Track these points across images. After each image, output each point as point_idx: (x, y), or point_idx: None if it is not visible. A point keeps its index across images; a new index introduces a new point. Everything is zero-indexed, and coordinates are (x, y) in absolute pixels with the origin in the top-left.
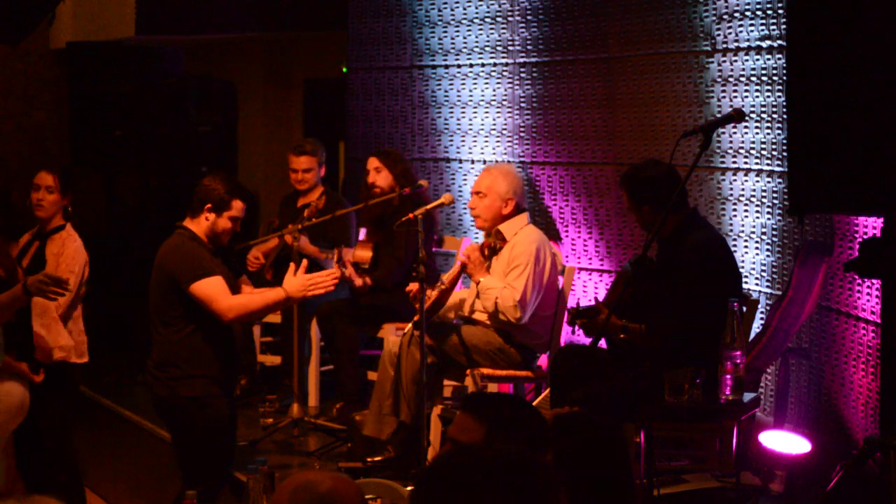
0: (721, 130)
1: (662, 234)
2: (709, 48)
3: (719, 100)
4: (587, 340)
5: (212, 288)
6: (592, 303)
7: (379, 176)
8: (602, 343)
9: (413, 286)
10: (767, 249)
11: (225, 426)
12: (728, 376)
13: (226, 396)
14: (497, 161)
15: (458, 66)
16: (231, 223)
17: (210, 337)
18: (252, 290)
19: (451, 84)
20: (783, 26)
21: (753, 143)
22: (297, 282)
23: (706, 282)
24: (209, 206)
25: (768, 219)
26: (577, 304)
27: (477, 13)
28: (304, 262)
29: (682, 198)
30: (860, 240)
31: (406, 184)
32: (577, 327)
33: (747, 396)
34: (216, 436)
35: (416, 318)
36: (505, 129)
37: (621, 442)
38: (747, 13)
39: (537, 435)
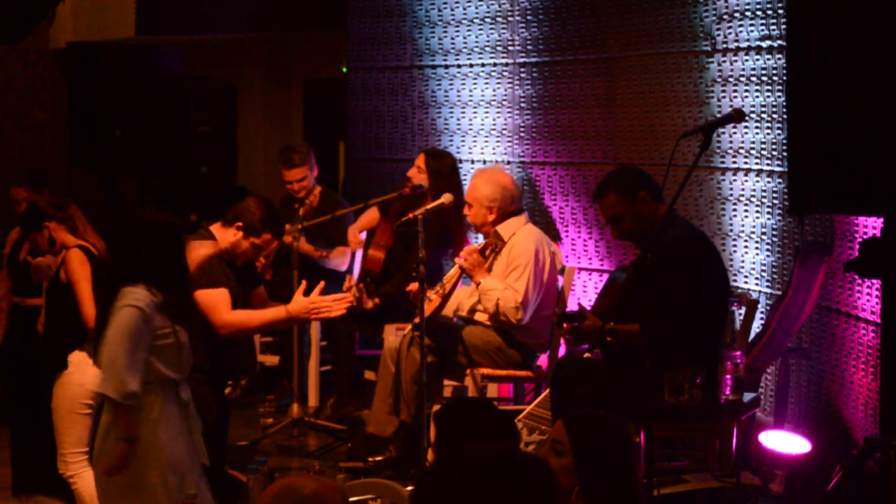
0: (721, 130)
1: (643, 229)
2: (709, 48)
3: (719, 100)
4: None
5: (214, 299)
6: (577, 308)
7: (419, 175)
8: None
9: (414, 286)
10: (767, 249)
11: (218, 430)
12: (728, 376)
13: (216, 396)
14: (497, 161)
15: (458, 66)
16: (253, 249)
17: (211, 341)
18: (266, 300)
19: (451, 84)
20: (783, 26)
21: (753, 143)
22: (302, 303)
23: (693, 276)
24: (240, 224)
25: (768, 219)
26: (563, 307)
27: (477, 13)
28: (322, 283)
29: (661, 194)
30: (860, 240)
31: (447, 187)
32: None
33: (747, 396)
34: (210, 439)
35: (416, 320)
36: (505, 129)
37: (628, 438)
38: (747, 13)
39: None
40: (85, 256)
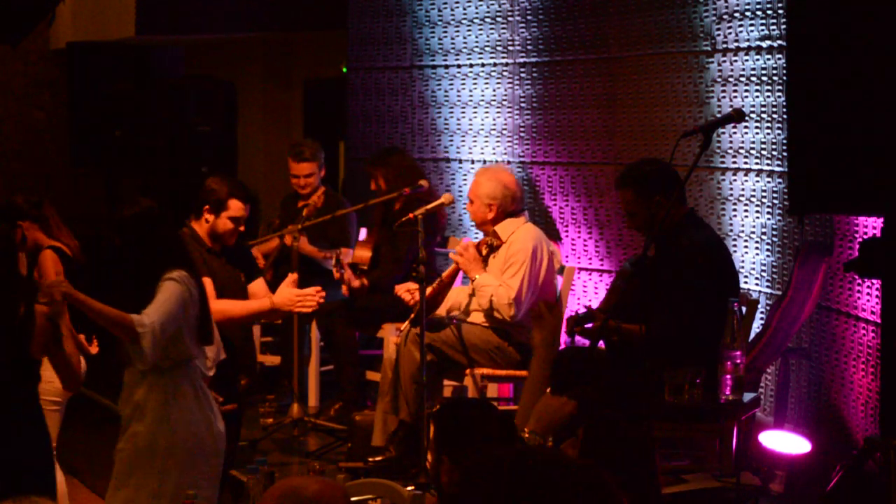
0: (721, 130)
1: (661, 231)
2: (709, 48)
3: (719, 100)
4: (586, 342)
5: None
6: (584, 310)
7: (379, 182)
8: (601, 344)
9: (400, 288)
10: (767, 249)
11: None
12: (728, 376)
13: (220, 394)
14: (497, 161)
15: (458, 66)
16: (232, 223)
17: None
18: (267, 292)
19: (451, 84)
20: (783, 26)
21: (753, 143)
22: (286, 294)
23: (704, 281)
24: (207, 206)
25: (768, 219)
26: (576, 313)
27: (477, 13)
28: (294, 275)
29: (682, 194)
30: (860, 240)
31: (404, 184)
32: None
33: (747, 396)
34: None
35: (412, 315)
36: (505, 129)
37: (649, 442)
38: (747, 13)
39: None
40: (58, 258)
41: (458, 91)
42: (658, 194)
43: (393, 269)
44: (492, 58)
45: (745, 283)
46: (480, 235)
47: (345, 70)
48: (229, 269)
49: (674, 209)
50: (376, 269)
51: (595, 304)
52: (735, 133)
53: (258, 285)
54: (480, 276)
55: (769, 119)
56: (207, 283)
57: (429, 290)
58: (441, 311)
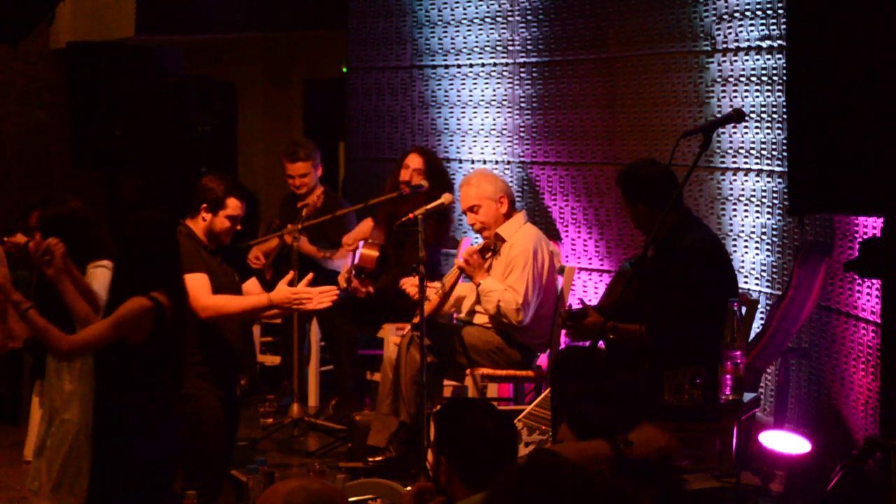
0: (721, 130)
1: (658, 235)
2: (709, 48)
3: (719, 100)
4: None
5: (192, 284)
6: (580, 305)
7: (417, 178)
8: (601, 344)
9: (406, 280)
10: (767, 249)
11: (214, 422)
12: (728, 376)
13: (218, 393)
14: (497, 161)
15: (458, 66)
16: (229, 222)
17: (202, 332)
18: (260, 290)
19: (451, 84)
20: (783, 26)
21: (753, 143)
22: (284, 292)
23: (703, 283)
24: (205, 205)
25: (768, 219)
26: (569, 307)
27: (477, 13)
28: (310, 275)
29: (678, 198)
30: (860, 240)
31: (446, 187)
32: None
33: (747, 396)
34: (204, 431)
35: (415, 320)
36: (505, 129)
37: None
38: (747, 13)
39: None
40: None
41: (458, 91)
42: (641, 202)
43: (397, 276)
44: (492, 58)
45: (745, 283)
46: (479, 236)
47: (345, 70)
48: (225, 267)
49: (667, 216)
50: (381, 278)
51: (594, 304)
52: (735, 133)
53: (252, 284)
54: (485, 282)
55: (769, 119)
56: (203, 278)
57: (434, 296)
58: (445, 309)
